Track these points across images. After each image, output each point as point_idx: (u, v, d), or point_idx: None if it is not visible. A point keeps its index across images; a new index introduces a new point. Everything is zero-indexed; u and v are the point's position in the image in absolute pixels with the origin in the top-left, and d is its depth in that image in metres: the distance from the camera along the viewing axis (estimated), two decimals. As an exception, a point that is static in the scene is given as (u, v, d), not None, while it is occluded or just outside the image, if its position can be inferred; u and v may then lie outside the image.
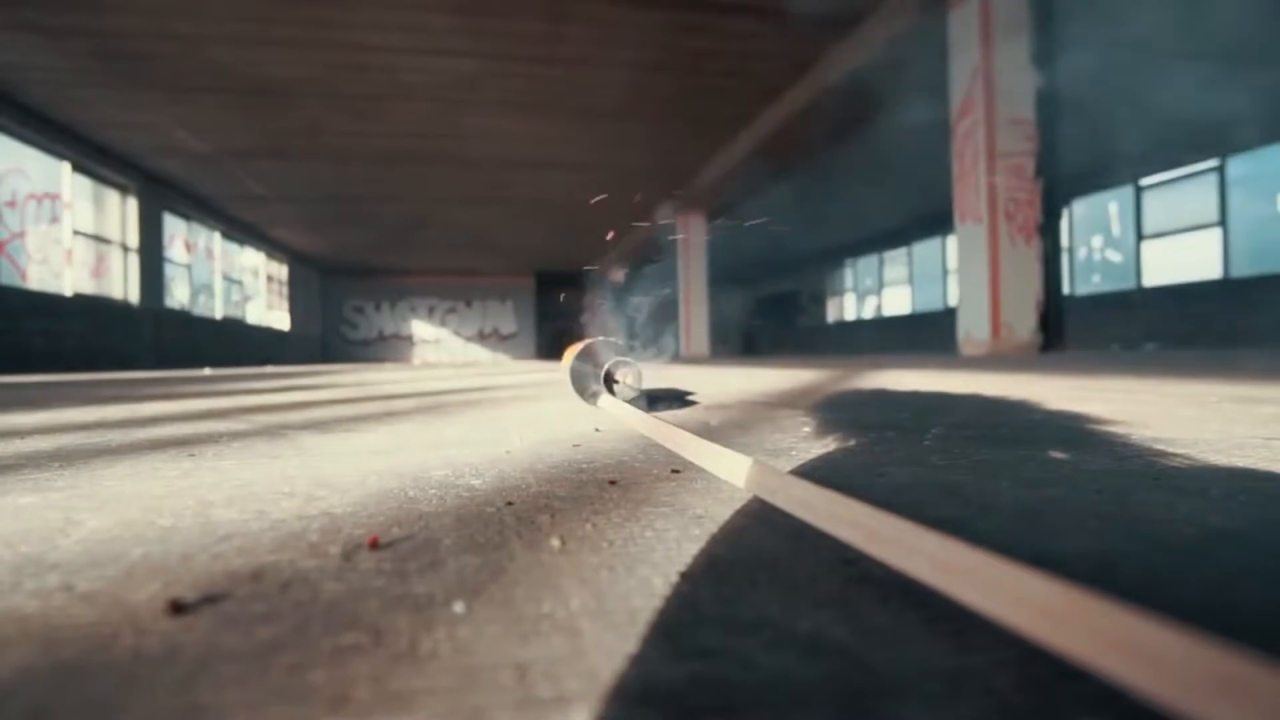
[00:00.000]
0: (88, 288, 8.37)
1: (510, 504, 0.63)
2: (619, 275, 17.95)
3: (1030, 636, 0.27)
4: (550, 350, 18.60)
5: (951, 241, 10.62)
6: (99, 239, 8.65)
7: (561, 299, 18.91)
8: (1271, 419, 1.14)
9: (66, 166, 7.98)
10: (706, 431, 1.16)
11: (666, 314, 12.97)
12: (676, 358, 10.95)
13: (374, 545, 0.50)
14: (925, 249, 13.68)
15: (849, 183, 10.25)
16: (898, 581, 0.39)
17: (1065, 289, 10.12)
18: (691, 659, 0.31)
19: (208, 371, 6.89)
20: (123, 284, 9.13)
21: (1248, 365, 2.97)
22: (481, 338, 19.46)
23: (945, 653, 0.31)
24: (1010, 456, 0.84)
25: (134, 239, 9.27)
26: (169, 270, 10.23)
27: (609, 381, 1.57)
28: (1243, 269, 8.10)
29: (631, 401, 1.51)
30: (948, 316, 10.63)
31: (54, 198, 7.80)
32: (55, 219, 7.80)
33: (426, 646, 0.33)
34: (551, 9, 5.46)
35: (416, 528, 0.55)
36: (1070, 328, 9.53)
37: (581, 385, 1.62)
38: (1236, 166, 8.16)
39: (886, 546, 0.37)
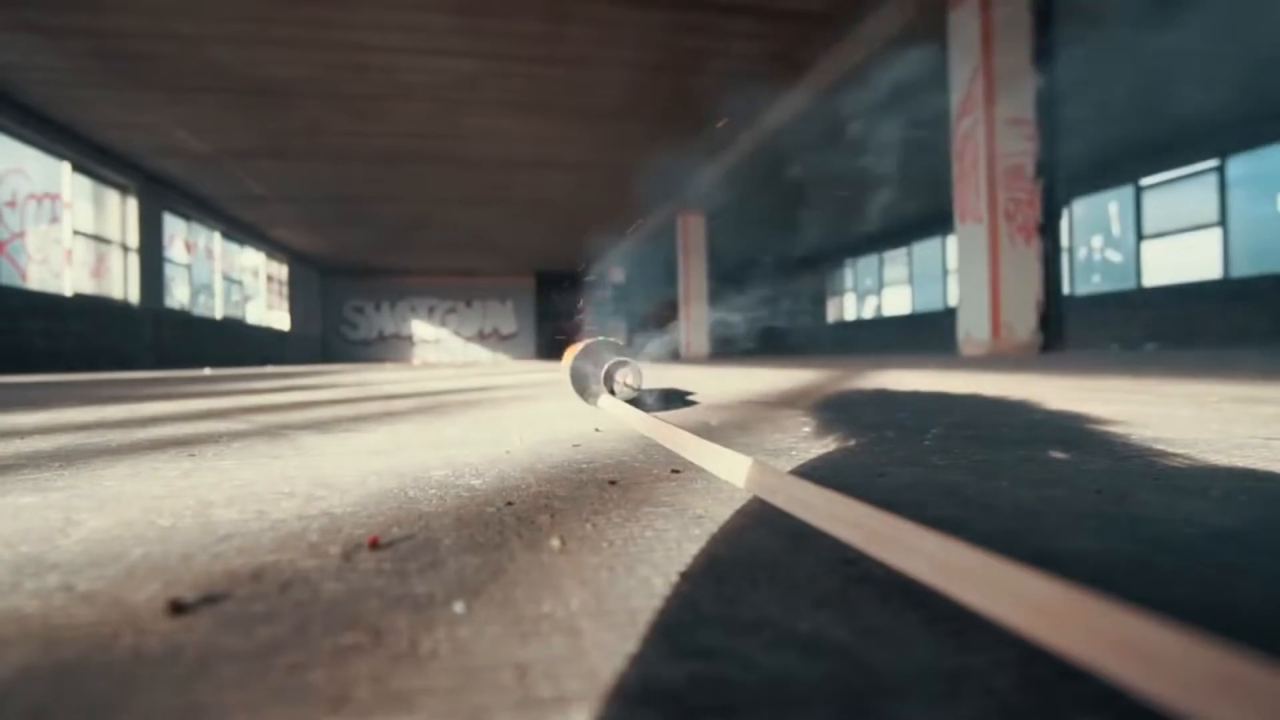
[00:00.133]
0: (88, 288, 8.37)
1: (510, 504, 0.63)
2: (618, 275, 17.95)
3: (1030, 636, 0.27)
4: (550, 350, 18.61)
5: (951, 241, 10.62)
6: (99, 239, 8.65)
7: (556, 297, 18.92)
8: (1271, 419, 1.14)
9: (66, 166, 7.98)
10: (706, 431, 1.16)
11: (663, 317, 12.99)
12: (677, 358, 10.95)
13: (374, 545, 0.50)
14: (925, 249, 13.68)
15: (849, 182, 10.24)
16: (898, 581, 0.39)
17: (1065, 289, 10.12)
18: (691, 659, 0.31)
19: (208, 371, 6.89)
20: (123, 284, 9.13)
21: (1248, 365, 2.97)
22: (481, 338, 19.46)
23: (945, 653, 0.31)
24: (1010, 457, 0.84)
25: (134, 239, 9.27)
26: (169, 270, 10.23)
27: (609, 381, 1.57)
28: (1243, 269, 8.10)
29: (631, 401, 1.51)
30: (947, 316, 10.64)
31: (54, 198, 7.80)
32: (55, 219, 7.80)
33: (427, 646, 0.33)
34: (551, 9, 5.46)
35: (416, 528, 0.55)
36: (1070, 328, 9.53)
37: (581, 385, 1.62)
38: (1236, 166, 8.16)
39: (886, 546, 0.37)
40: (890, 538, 0.37)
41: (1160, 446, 0.88)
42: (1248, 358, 3.89)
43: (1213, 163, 8.33)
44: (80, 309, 8.06)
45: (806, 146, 8.22)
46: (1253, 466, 0.74)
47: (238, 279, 13.07)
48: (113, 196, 8.99)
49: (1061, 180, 5.11)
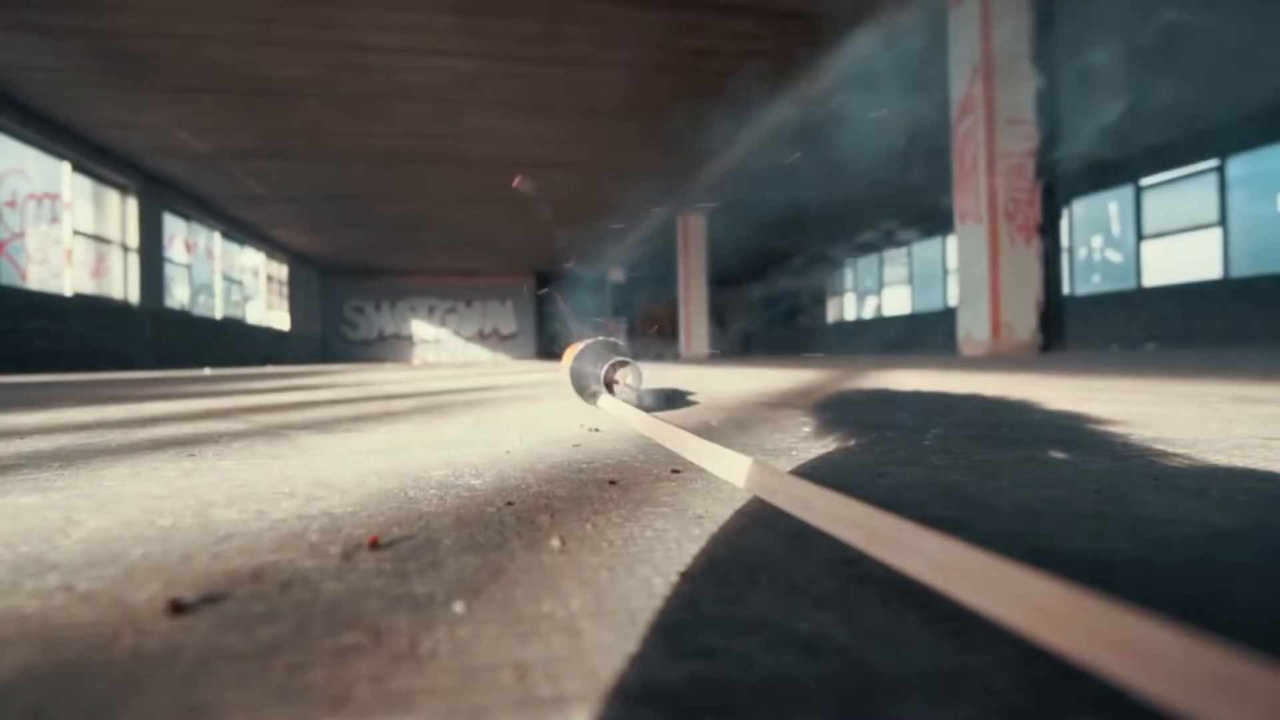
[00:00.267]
0: (88, 288, 8.38)
1: (510, 504, 0.63)
2: (619, 273, 17.94)
3: (1030, 636, 0.27)
4: (550, 350, 18.62)
5: (951, 241, 10.62)
6: (99, 239, 8.65)
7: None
8: (1271, 419, 1.14)
9: (66, 166, 7.98)
10: (706, 431, 1.16)
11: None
12: (676, 358, 10.95)
13: (374, 545, 0.50)
14: (925, 249, 13.68)
15: (848, 182, 10.24)
16: (898, 581, 0.39)
17: (1065, 289, 10.13)
18: (691, 659, 0.31)
19: (208, 371, 6.89)
20: (123, 284, 9.13)
21: (1248, 365, 2.97)
22: (481, 338, 19.46)
23: (945, 653, 0.31)
24: (1010, 457, 0.84)
25: (134, 239, 9.27)
26: (169, 270, 10.23)
27: (609, 381, 1.57)
28: (1243, 269, 8.10)
29: (631, 402, 1.51)
30: (947, 316, 10.64)
31: (54, 198, 7.80)
32: (55, 219, 7.80)
33: (427, 646, 0.33)
34: (551, 9, 5.46)
35: (416, 528, 0.55)
36: (1070, 328, 9.53)
37: (581, 385, 1.62)
38: (1236, 166, 8.16)
39: (886, 546, 0.37)
40: (890, 538, 0.37)
41: (1160, 446, 0.88)
42: (1248, 358, 3.88)
43: (1213, 163, 8.33)
44: (80, 309, 8.06)
45: (807, 146, 8.22)
46: (1253, 466, 0.74)
47: (238, 279, 13.07)
48: (113, 196, 8.99)
49: (1061, 180, 5.11)
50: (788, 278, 18.35)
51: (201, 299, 11.53)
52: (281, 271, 15.48)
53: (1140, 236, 9.31)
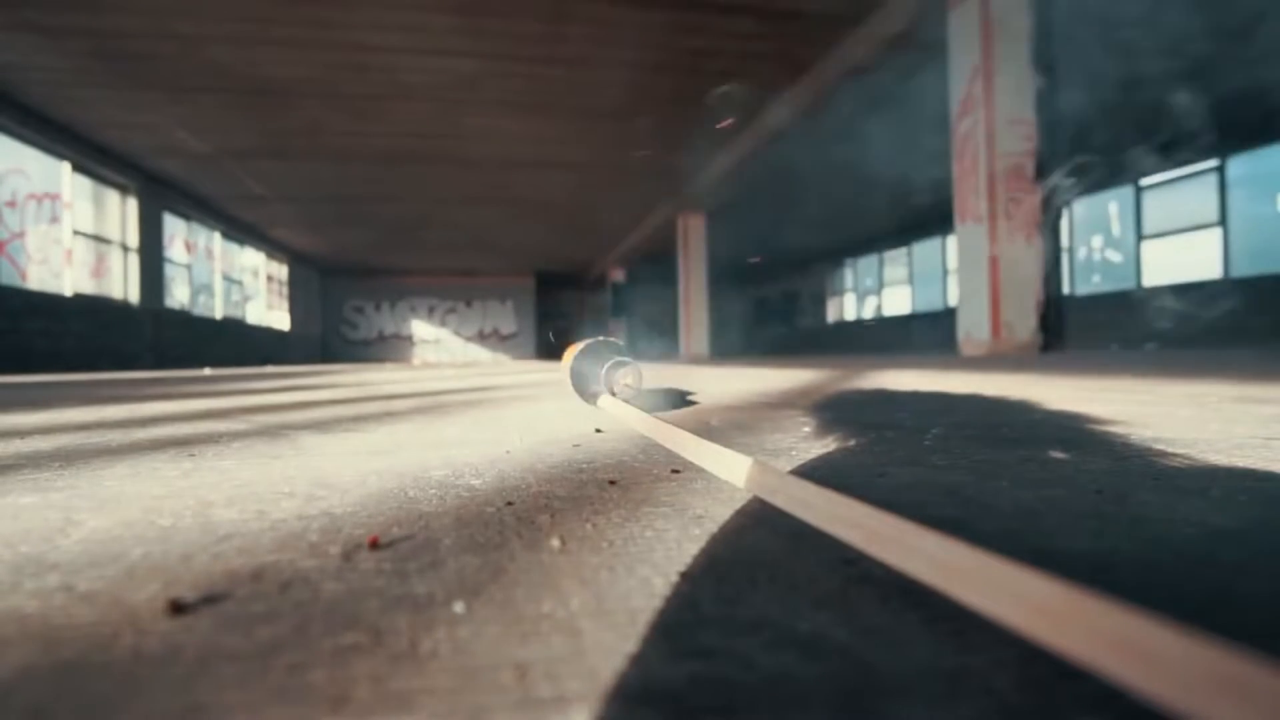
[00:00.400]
0: (88, 288, 8.38)
1: (510, 504, 0.63)
2: (619, 274, 17.93)
3: (1030, 636, 0.27)
4: (550, 350, 18.62)
5: (951, 241, 10.62)
6: (99, 239, 8.65)
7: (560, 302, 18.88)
8: (1271, 419, 1.14)
9: (66, 166, 7.98)
10: (706, 431, 1.16)
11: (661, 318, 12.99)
12: (676, 358, 10.95)
13: (374, 545, 0.50)
14: (925, 249, 13.68)
15: (848, 182, 10.24)
16: (898, 581, 0.39)
17: (1065, 289, 10.12)
18: (691, 659, 0.31)
19: (208, 371, 6.89)
20: (123, 284, 9.13)
21: (1248, 365, 2.97)
22: (481, 338, 19.46)
23: (945, 653, 0.31)
24: (1011, 457, 0.84)
25: (134, 239, 9.27)
26: (169, 270, 10.23)
27: (609, 382, 1.57)
28: (1243, 269, 8.10)
29: (631, 402, 1.51)
30: (947, 316, 10.64)
31: (54, 198, 7.80)
32: (55, 219, 7.80)
33: (426, 646, 0.33)
34: (551, 9, 5.46)
35: (416, 528, 0.55)
36: (1070, 328, 9.53)
37: (581, 385, 1.62)
38: (1236, 166, 8.16)
39: (886, 546, 0.37)
40: (890, 538, 0.37)
41: (1160, 446, 0.88)
42: (1248, 358, 3.89)
43: (1213, 163, 8.33)
44: (80, 309, 8.06)
45: (807, 146, 8.22)
46: (1253, 466, 0.74)
47: (238, 279, 13.08)
48: (113, 196, 8.99)
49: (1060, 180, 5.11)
50: (787, 277, 18.35)
51: (201, 299, 11.53)
52: (281, 271, 15.48)
53: (1140, 236, 9.31)
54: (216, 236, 12.08)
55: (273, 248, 14.59)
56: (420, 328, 19.20)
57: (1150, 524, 0.52)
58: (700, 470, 0.77)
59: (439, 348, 19.22)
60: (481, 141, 8.52)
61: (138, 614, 0.37)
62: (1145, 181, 9.17)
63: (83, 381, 4.18)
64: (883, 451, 0.90)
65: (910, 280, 14.31)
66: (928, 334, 12.82)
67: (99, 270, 8.64)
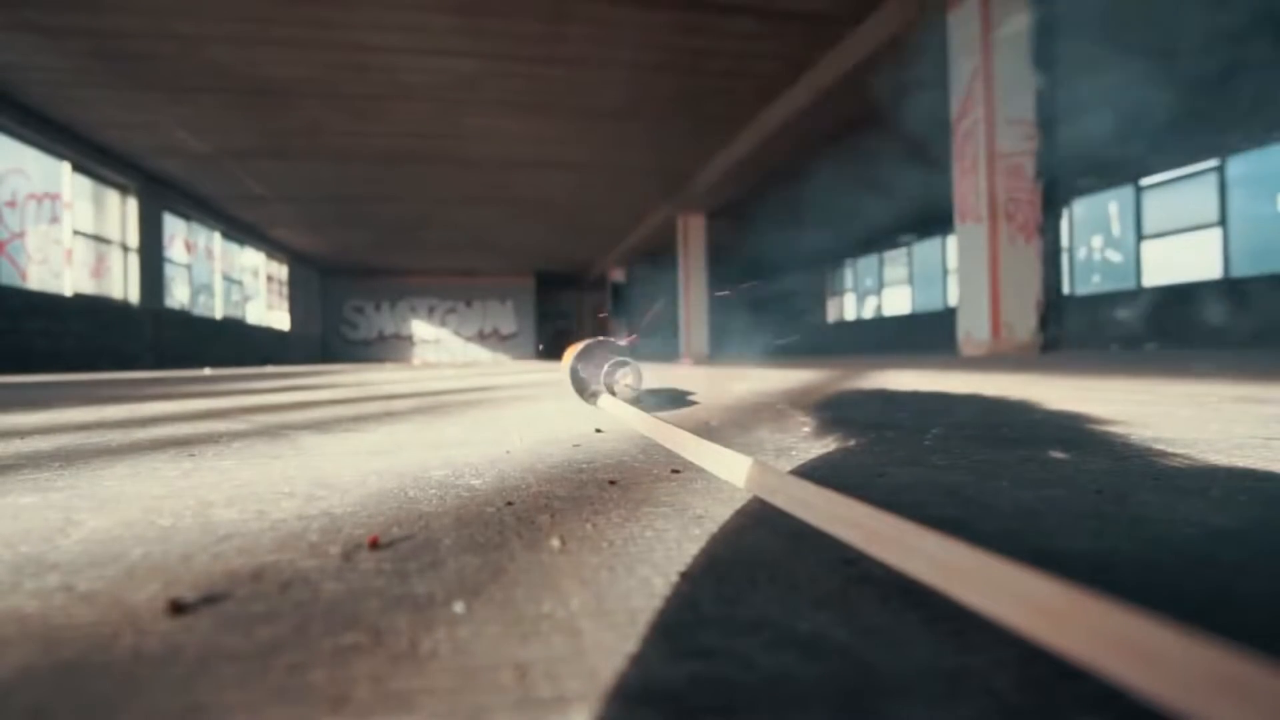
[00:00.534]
0: (88, 288, 8.37)
1: (510, 504, 0.63)
2: (619, 274, 17.92)
3: (1030, 636, 0.27)
4: (550, 350, 18.62)
5: (951, 241, 10.63)
6: (99, 239, 8.65)
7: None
8: (1271, 419, 1.14)
9: (66, 166, 7.98)
10: (706, 431, 1.16)
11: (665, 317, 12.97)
12: (677, 358, 10.95)
13: (374, 545, 0.50)
14: (925, 249, 13.68)
15: (848, 182, 10.24)
16: (898, 581, 0.39)
17: (1065, 289, 10.12)
18: (691, 659, 0.31)
19: (208, 371, 6.89)
20: (123, 284, 9.13)
21: (1248, 365, 2.97)
22: (481, 338, 19.46)
23: (945, 653, 0.31)
24: (1011, 457, 0.84)
25: (134, 239, 9.27)
26: (169, 270, 10.23)
27: (609, 382, 1.57)
28: (1243, 269, 8.11)
29: (631, 402, 1.51)
30: (948, 316, 10.64)
31: (54, 198, 7.80)
32: (55, 219, 7.80)
33: (427, 646, 0.33)
34: (551, 9, 5.46)
35: (416, 528, 0.55)
36: (1070, 328, 9.53)
37: (581, 385, 1.62)
38: (1236, 166, 8.16)
39: (886, 546, 0.37)
40: (890, 538, 0.37)
41: (1160, 446, 0.88)
42: (1248, 358, 3.88)
43: (1213, 163, 8.33)
44: (80, 309, 8.06)
45: (807, 146, 8.22)
46: (1253, 466, 0.74)
47: (238, 279, 13.07)
48: (113, 196, 8.99)
49: (1061, 180, 5.11)
50: (788, 277, 18.34)
51: (201, 299, 11.53)
52: (281, 271, 15.48)
53: (1140, 236, 9.31)
54: (216, 236, 12.08)
55: (273, 248, 14.59)
56: (420, 328, 19.20)
57: (1150, 524, 0.52)
58: (700, 470, 0.77)
59: (439, 348, 19.21)
60: (481, 141, 8.52)
61: (138, 614, 0.37)
62: (1145, 181, 9.17)
63: (83, 381, 4.18)
64: (883, 451, 0.90)
65: (910, 280, 14.31)
66: (928, 334, 12.82)
67: (99, 270, 8.64)
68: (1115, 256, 9.80)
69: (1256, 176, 7.94)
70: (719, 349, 12.72)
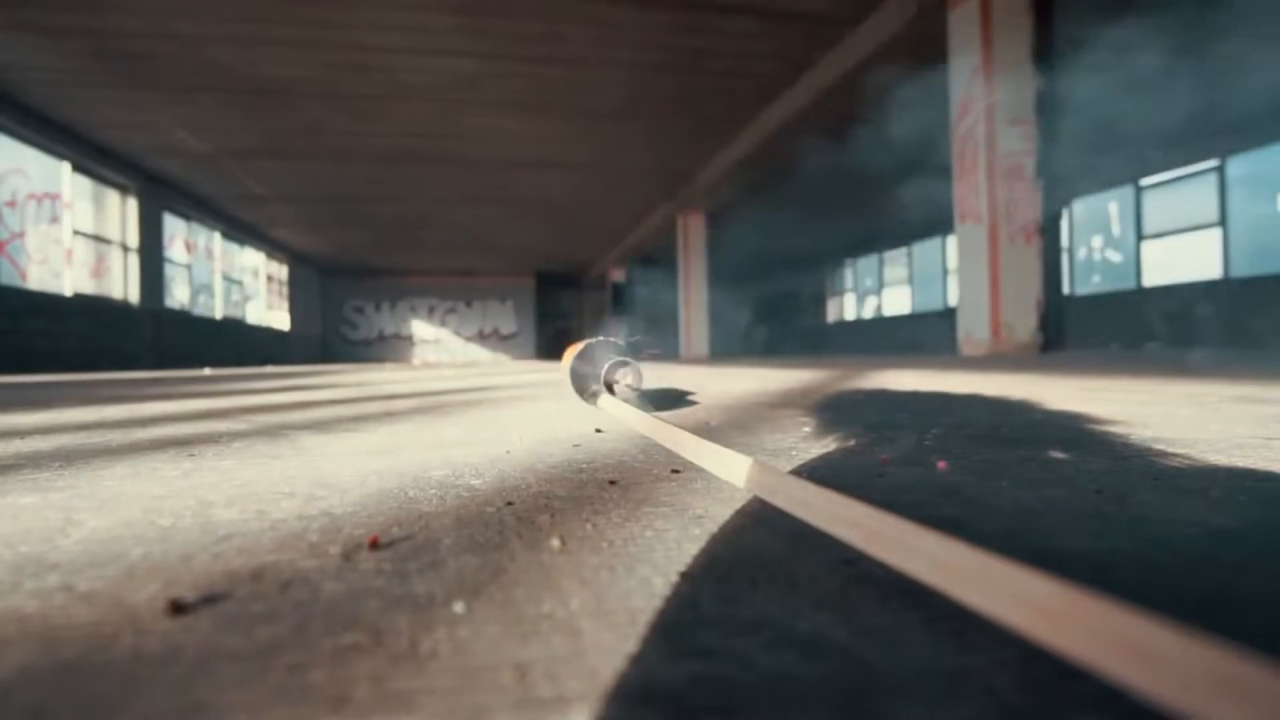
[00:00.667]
0: (88, 288, 8.37)
1: (510, 504, 0.63)
2: (619, 274, 17.91)
3: (1030, 636, 0.27)
4: (550, 350, 18.61)
5: (951, 241, 10.62)
6: (99, 239, 8.65)
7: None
8: (1271, 419, 1.14)
9: (66, 166, 7.98)
10: (706, 431, 1.16)
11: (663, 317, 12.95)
12: (677, 358, 10.95)
13: (374, 545, 0.50)
14: (924, 249, 13.69)
15: (848, 182, 10.24)
16: (898, 581, 0.39)
17: (1065, 289, 10.12)
18: (691, 659, 0.31)
19: (208, 371, 6.89)
20: (123, 284, 9.13)
21: (1248, 365, 2.97)
22: (481, 338, 19.46)
23: (945, 653, 0.31)
24: (1011, 457, 0.84)
25: (134, 239, 9.27)
26: (169, 270, 10.23)
27: (609, 382, 1.57)
28: (1243, 269, 8.11)
29: (631, 402, 1.51)
30: (948, 316, 10.64)
31: (54, 198, 7.80)
32: (55, 219, 7.80)
33: (427, 646, 0.33)
34: (552, 9, 5.46)
35: (416, 528, 0.55)
36: (1070, 328, 9.52)
37: (581, 385, 1.62)
38: (1236, 166, 8.16)
39: (886, 546, 0.37)
40: (890, 538, 0.37)
41: (1160, 446, 0.88)
42: (1248, 358, 3.88)
43: (1213, 163, 8.33)
44: (80, 309, 8.06)
45: (807, 145, 8.22)
46: (1253, 466, 0.74)
47: (238, 279, 13.07)
48: (113, 196, 8.99)
49: (1061, 180, 5.10)
50: (788, 277, 18.35)
51: (201, 299, 11.53)
52: (281, 271, 15.48)
53: (1140, 236, 9.31)
54: (216, 236, 12.08)
55: (273, 248, 14.59)
56: (420, 328, 19.20)
57: (1150, 524, 0.52)
58: (700, 470, 0.77)
59: (439, 348, 19.21)
60: (481, 141, 8.52)
61: (138, 614, 0.37)
62: (1145, 181, 9.17)
63: (83, 381, 4.18)
64: (882, 451, 0.90)
65: (910, 280, 14.31)
66: (928, 334, 12.82)
67: (99, 270, 8.64)
68: (1115, 256, 9.80)
69: (1257, 176, 7.94)
70: (719, 349, 12.71)
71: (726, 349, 14.30)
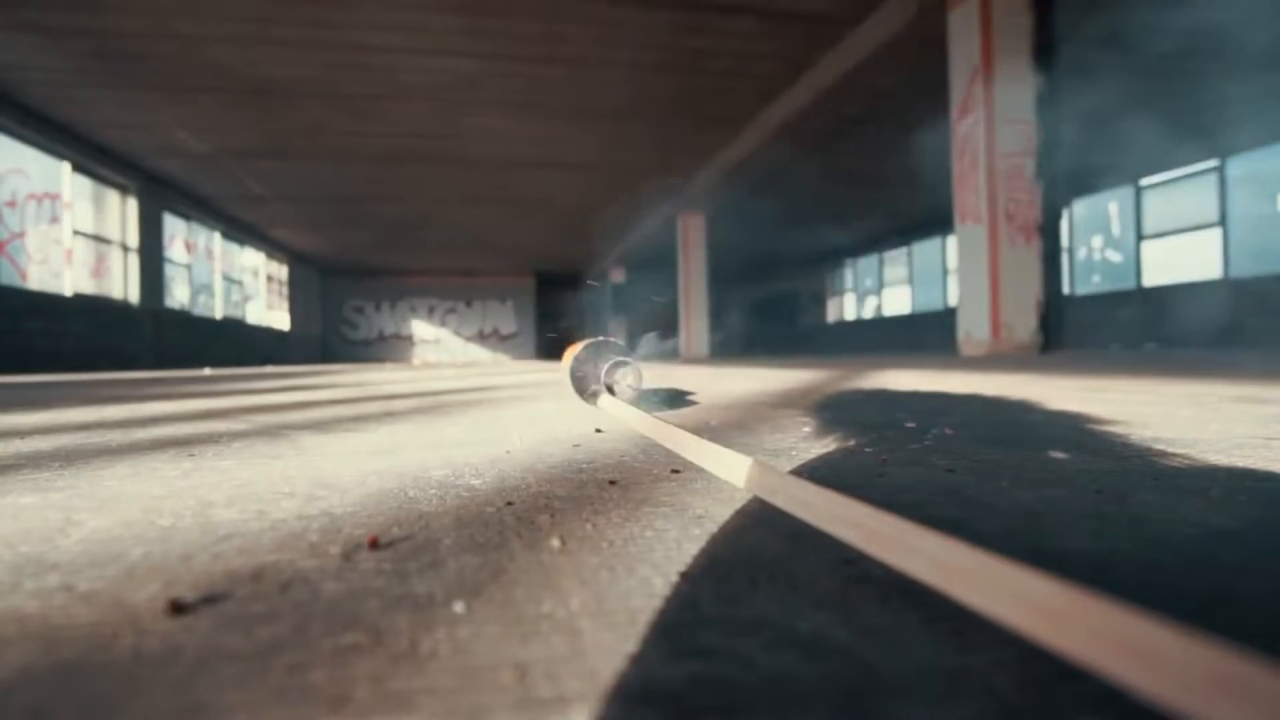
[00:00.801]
0: (88, 288, 8.37)
1: (510, 504, 0.63)
2: (619, 274, 17.91)
3: (1030, 636, 0.27)
4: (550, 350, 18.60)
5: (951, 241, 10.63)
6: (99, 239, 8.65)
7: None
8: (1271, 419, 1.14)
9: (66, 166, 7.98)
10: (706, 431, 1.16)
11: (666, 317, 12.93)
12: (677, 358, 10.95)
13: (374, 545, 0.50)
14: (924, 249, 13.68)
15: (848, 182, 10.24)
16: (898, 581, 0.39)
17: (1065, 289, 10.13)
18: (691, 659, 0.31)
19: (208, 371, 6.89)
20: (123, 284, 9.13)
21: (1248, 365, 2.97)
22: (481, 338, 19.46)
23: (945, 653, 0.31)
24: (1011, 457, 0.84)
25: (134, 239, 9.27)
26: (169, 270, 10.22)
27: (609, 382, 1.57)
28: (1243, 269, 8.11)
29: (631, 402, 1.51)
30: (947, 316, 10.64)
31: (54, 198, 7.80)
32: (55, 219, 7.80)
33: (426, 646, 0.33)
34: (552, 9, 5.46)
35: (416, 528, 0.55)
36: (1070, 328, 9.53)
37: (581, 385, 1.62)
38: (1236, 166, 8.16)
39: (886, 546, 0.37)
40: (890, 538, 0.37)
41: (1160, 446, 0.88)
42: (1248, 358, 3.89)
43: (1213, 163, 8.33)
44: (80, 309, 8.06)
45: (807, 145, 8.22)
46: (1253, 466, 0.74)
47: (238, 279, 13.07)
48: (113, 196, 8.99)
49: (1061, 180, 5.10)
50: (788, 277, 18.34)
51: (201, 299, 11.53)
52: (281, 271, 15.48)
53: (1140, 236, 9.31)
54: (216, 236, 12.08)
55: (273, 248, 14.59)
56: (420, 328, 19.20)
57: (1150, 524, 0.52)
58: (700, 470, 0.77)
59: (439, 348, 19.21)
60: (481, 141, 8.52)
61: (138, 614, 0.37)
62: (1145, 181, 9.17)
63: (83, 381, 4.18)
64: (883, 451, 0.90)
65: (910, 280, 14.31)
66: (928, 334, 12.81)
67: (99, 270, 8.64)
68: (1115, 256, 9.81)
69: (1257, 177, 7.94)
70: (719, 349, 12.71)
71: (726, 349, 14.29)
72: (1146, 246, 9.26)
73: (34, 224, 7.46)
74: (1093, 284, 10.15)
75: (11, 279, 7.08)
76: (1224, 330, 8.07)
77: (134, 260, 9.26)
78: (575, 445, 1.02)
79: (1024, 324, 4.64)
